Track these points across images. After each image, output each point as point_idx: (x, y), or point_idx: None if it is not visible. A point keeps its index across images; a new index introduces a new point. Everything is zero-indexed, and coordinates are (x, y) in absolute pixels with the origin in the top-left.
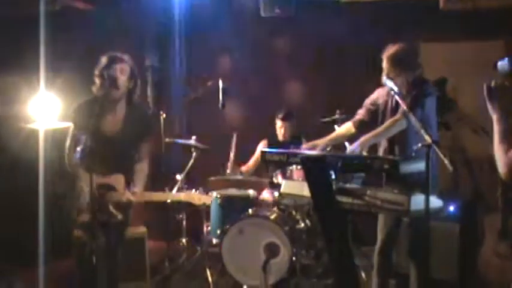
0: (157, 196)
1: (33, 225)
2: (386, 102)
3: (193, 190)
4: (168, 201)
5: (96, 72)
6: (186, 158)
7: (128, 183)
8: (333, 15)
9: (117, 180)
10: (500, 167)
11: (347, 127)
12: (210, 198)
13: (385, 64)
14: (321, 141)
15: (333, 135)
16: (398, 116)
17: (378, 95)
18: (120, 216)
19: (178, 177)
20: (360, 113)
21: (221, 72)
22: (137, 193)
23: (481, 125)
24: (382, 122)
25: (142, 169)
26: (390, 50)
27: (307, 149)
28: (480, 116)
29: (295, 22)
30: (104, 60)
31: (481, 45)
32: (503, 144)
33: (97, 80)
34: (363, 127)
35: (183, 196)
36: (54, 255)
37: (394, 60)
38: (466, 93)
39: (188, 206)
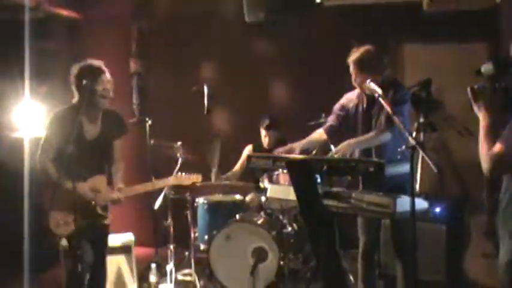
0: (144, 187)
1: (19, 234)
2: (356, 105)
3: (180, 173)
4: (156, 207)
5: (79, 82)
6: (172, 164)
7: (109, 183)
8: (317, 19)
9: (99, 181)
10: (484, 162)
11: (319, 133)
12: (200, 177)
13: (351, 69)
14: (297, 145)
15: (306, 139)
16: (383, 127)
17: (346, 100)
18: (110, 216)
19: None
20: (330, 120)
21: (206, 77)
22: (123, 189)
23: (465, 126)
24: (354, 125)
25: (120, 168)
26: (354, 54)
27: (284, 153)
28: (465, 117)
29: (279, 26)
30: (87, 70)
31: (465, 47)
32: (487, 141)
33: (79, 90)
34: (334, 133)
35: (171, 180)
36: (41, 264)
37: (359, 64)
38: (451, 94)
39: (175, 211)
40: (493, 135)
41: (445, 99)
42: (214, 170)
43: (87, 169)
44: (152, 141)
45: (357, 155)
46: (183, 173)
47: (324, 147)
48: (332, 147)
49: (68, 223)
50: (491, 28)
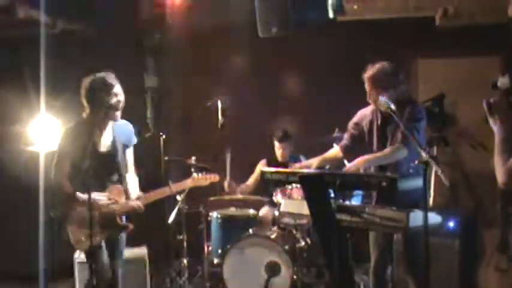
0: (163, 192)
1: (34, 247)
2: (371, 121)
3: (196, 174)
4: (170, 221)
5: (91, 96)
6: (186, 178)
7: (126, 192)
8: (330, 35)
9: (116, 191)
10: (499, 176)
11: (336, 150)
12: (217, 177)
13: (366, 85)
14: (314, 162)
15: (323, 156)
16: (399, 144)
17: (360, 117)
18: (131, 226)
19: (179, 197)
20: (345, 138)
21: (220, 92)
22: (142, 196)
23: (479, 140)
24: (370, 141)
25: (133, 178)
26: (369, 71)
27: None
28: (478, 131)
29: (292, 42)
30: (99, 83)
31: (478, 61)
32: (503, 155)
33: (94, 103)
34: (349, 151)
35: (189, 182)
36: (55, 277)
37: (374, 80)
38: (464, 108)
39: (189, 225)
40: (509, 148)
41: (458, 113)
42: (226, 181)
43: (103, 181)
44: (166, 158)
45: (372, 170)
46: (200, 174)
47: (337, 162)
48: (346, 162)
49: (87, 238)
50: (504, 42)
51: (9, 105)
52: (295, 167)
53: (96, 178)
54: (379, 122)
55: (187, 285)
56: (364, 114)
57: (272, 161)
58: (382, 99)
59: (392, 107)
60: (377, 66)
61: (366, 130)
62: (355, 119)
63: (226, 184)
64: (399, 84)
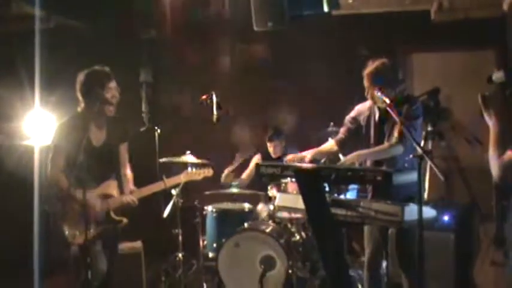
0: (156, 186)
1: (28, 242)
2: (368, 117)
3: (190, 169)
4: (165, 215)
5: (86, 90)
6: (181, 172)
7: (120, 187)
8: (325, 29)
9: (110, 186)
10: (495, 170)
11: (330, 144)
12: (211, 171)
13: (365, 81)
14: (307, 154)
15: (318, 149)
16: (395, 141)
17: (357, 112)
18: (125, 220)
19: (174, 192)
20: (341, 132)
21: (215, 86)
22: (135, 190)
23: (473, 134)
24: (367, 136)
25: (128, 173)
26: (369, 67)
27: (294, 161)
28: (473, 125)
29: (288, 35)
30: (94, 77)
31: (473, 56)
32: (498, 149)
33: (89, 97)
34: (344, 145)
35: (182, 177)
36: (50, 272)
37: (372, 77)
38: (459, 102)
39: (184, 219)
40: (504, 142)
41: (453, 107)
42: (228, 170)
43: (97, 176)
44: (162, 160)
45: (368, 164)
46: (194, 169)
47: (333, 156)
48: (341, 156)
49: (82, 232)
50: (499, 36)
51: (3, 100)
52: (289, 159)
53: (91, 173)
54: (376, 118)
55: (182, 279)
56: (361, 109)
57: (266, 156)
58: (378, 94)
59: (387, 101)
60: (377, 63)
61: (363, 125)
62: (352, 113)
63: (226, 172)
64: (398, 82)
